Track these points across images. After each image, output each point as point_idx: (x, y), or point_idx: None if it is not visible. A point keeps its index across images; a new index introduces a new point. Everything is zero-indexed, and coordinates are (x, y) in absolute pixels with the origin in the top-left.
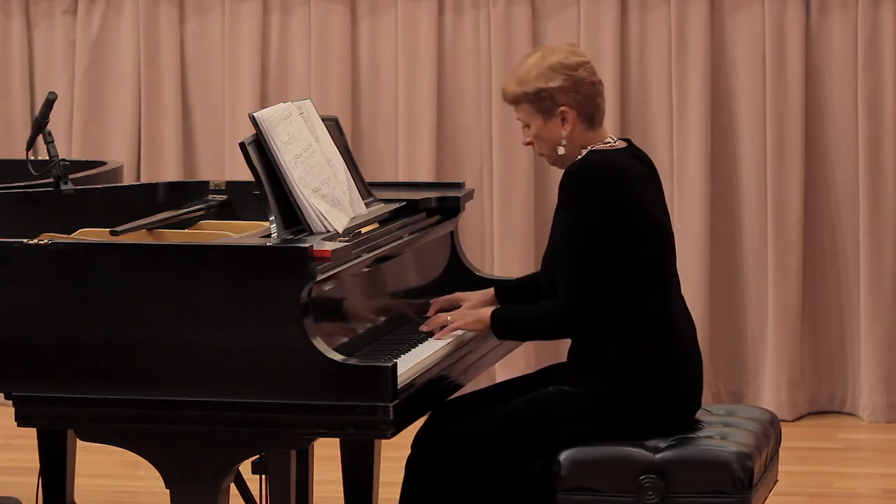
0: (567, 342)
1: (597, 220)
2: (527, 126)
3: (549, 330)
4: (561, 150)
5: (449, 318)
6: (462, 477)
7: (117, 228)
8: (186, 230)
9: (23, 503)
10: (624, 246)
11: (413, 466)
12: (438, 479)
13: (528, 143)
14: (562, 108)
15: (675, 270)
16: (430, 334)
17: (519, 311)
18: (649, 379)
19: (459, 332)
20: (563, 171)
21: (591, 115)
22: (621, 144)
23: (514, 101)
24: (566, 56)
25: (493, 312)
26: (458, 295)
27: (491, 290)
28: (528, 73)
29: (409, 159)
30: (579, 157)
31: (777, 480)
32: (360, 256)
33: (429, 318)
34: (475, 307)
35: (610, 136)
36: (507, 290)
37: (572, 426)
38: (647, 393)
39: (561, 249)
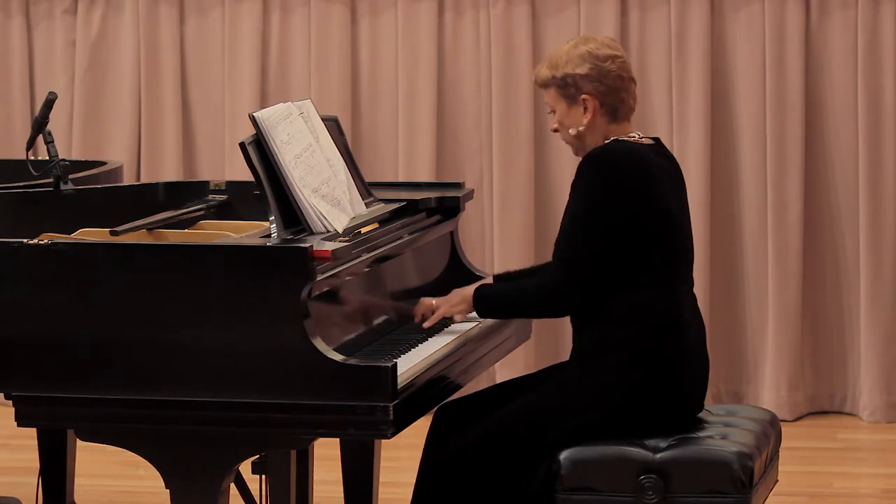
0: (569, 339)
1: (605, 205)
2: (553, 111)
3: (534, 304)
4: (589, 140)
5: (434, 302)
6: (473, 486)
7: (117, 228)
8: (186, 230)
9: (23, 503)
10: (631, 237)
11: (422, 482)
12: (449, 493)
13: (554, 130)
14: (584, 95)
15: (689, 272)
16: (429, 334)
17: (503, 286)
18: (649, 372)
19: (461, 321)
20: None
21: (614, 108)
22: (647, 141)
23: (544, 84)
24: (598, 47)
25: (477, 288)
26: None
27: (489, 280)
28: (559, 58)
29: (409, 159)
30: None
31: (777, 480)
32: (360, 256)
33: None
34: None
35: (636, 132)
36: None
37: (573, 422)
38: (648, 386)
39: (562, 227)
